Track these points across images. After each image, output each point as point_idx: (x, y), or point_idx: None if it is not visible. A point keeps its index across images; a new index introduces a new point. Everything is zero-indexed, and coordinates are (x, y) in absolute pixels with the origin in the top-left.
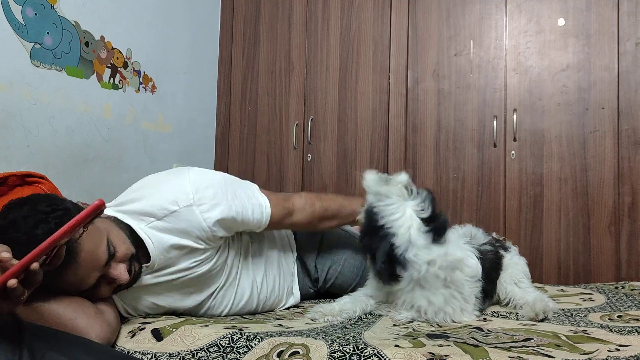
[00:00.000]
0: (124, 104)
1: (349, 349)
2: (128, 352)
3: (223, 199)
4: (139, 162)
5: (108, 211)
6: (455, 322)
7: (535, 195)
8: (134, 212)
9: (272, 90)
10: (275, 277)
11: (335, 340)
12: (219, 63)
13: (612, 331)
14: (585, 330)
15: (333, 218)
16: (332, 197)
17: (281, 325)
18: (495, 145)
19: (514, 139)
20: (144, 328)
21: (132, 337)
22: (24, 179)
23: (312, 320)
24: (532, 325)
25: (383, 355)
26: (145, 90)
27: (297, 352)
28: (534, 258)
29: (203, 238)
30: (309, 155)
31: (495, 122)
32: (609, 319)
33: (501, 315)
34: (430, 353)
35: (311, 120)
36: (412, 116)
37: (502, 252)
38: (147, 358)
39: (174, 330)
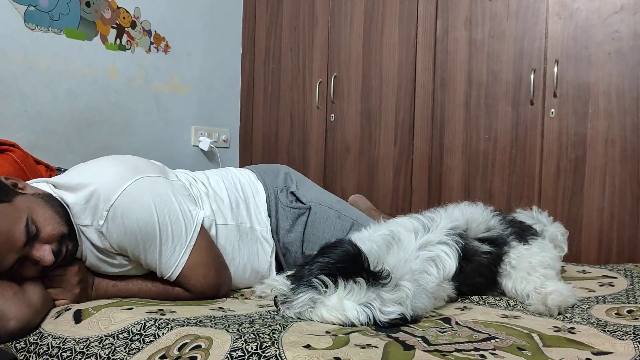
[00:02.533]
0: (132, 65)
1: (251, 348)
2: (44, 334)
3: (131, 241)
4: (151, 126)
5: (42, 185)
6: None
7: (576, 158)
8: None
9: (295, 46)
10: (245, 265)
11: (244, 335)
12: (244, 18)
13: (605, 331)
14: (572, 329)
15: None
16: None
17: (221, 308)
18: (532, 103)
19: (554, 95)
20: (70, 308)
21: (56, 317)
22: None
23: (261, 297)
24: (514, 318)
25: (283, 357)
26: (157, 50)
27: (199, 346)
28: (572, 230)
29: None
30: (332, 115)
31: (533, 76)
32: (615, 313)
33: (488, 302)
34: (335, 358)
35: (334, 77)
36: (440, 70)
37: (515, 243)
38: (56, 343)
39: (94, 312)
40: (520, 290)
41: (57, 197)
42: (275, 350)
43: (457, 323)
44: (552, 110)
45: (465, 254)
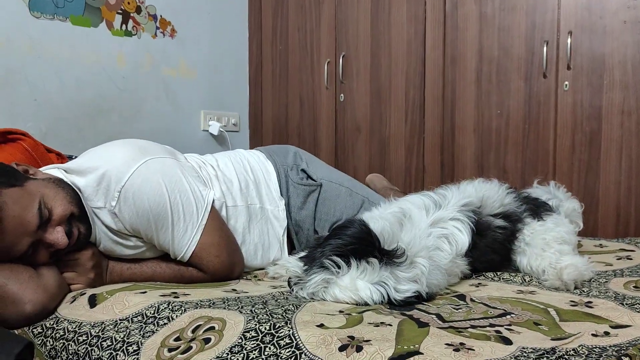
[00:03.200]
0: (139, 51)
1: (265, 328)
2: (60, 319)
3: (143, 222)
4: (161, 111)
5: (53, 171)
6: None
7: (591, 132)
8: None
9: (302, 25)
10: (256, 245)
11: (257, 316)
12: None
13: (623, 305)
14: (590, 303)
15: None
16: None
17: (234, 290)
18: (545, 76)
19: (568, 67)
20: (85, 293)
21: (72, 302)
22: (6, 136)
23: (274, 278)
24: (529, 293)
25: (297, 337)
26: (164, 35)
27: (212, 327)
28: (588, 205)
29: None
30: (342, 95)
31: (545, 48)
32: (634, 286)
33: (503, 278)
34: (349, 337)
35: (342, 57)
36: (450, 47)
37: (529, 220)
38: (72, 327)
39: (109, 297)
40: (536, 266)
41: (69, 182)
42: (289, 330)
43: (472, 299)
44: (566, 83)
45: (478, 230)
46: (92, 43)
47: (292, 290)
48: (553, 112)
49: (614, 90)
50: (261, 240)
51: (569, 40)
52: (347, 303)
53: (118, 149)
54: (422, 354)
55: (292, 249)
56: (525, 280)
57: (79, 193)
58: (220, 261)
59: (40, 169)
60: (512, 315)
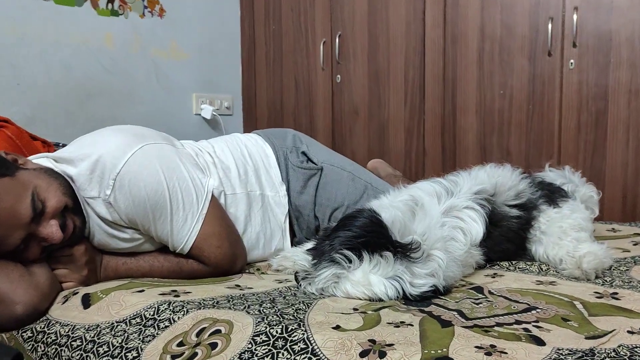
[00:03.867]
0: (127, 31)
1: (276, 332)
2: (51, 321)
3: (140, 211)
4: (151, 94)
5: (43, 161)
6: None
7: (597, 111)
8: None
9: (296, 4)
10: (259, 234)
11: (267, 318)
12: None
13: None
14: (615, 294)
15: None
16: None
17: (238, 285)
18: (550, 54)
19: (574, 45)
20: (78, 292)
21: (64, 302)
22: None
23: (278, 271)
24: (549, 284)
25: (312, 341)
26: (152, 14)
27: (218, 331)
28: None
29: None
30: (339, 76)
31: (550, 26)
32: None
33: (519, 268)
34: (370, 341)
35: (339, 36)
36: (451, 25)
37: (545, 207)
38: (65, 331)
39: (103, 296)
40: (553, 255)
41: (60, 172)
42: (303, 334)
43: (490, 292)
44: (572, 61)
45: (492, 219)
46: (77, 23)
47: (300, 285)
48: (558, 92)
49: (621, 69)
50: (263, 228)
51: (574, 17)
52: (360, 299)
53: (111, 135)
54: (452, 359)
55: (292, 236)
56: (542, 269)
57: (72, 183)
58: (222, 252)
59: (29, 159)
60: (538, 310)
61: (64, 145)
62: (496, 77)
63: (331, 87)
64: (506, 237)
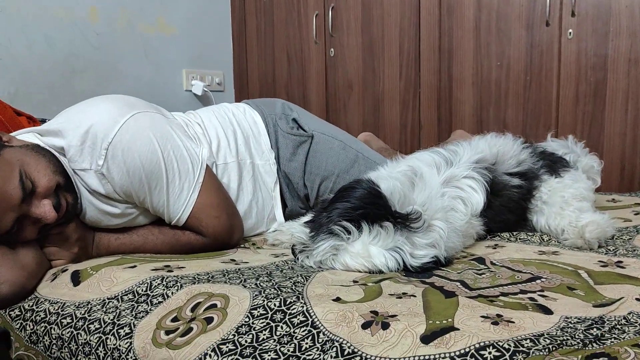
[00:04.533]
0: (113, 5)
1: (274, 305)
2: (40, 299)
3: (135, 182)
4: (139, 70)
5: (28, 137)
6: None
7: (596, 82)
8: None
9: None
10: (251, 202)
11: (264, 291)
12: None
13: None
14: (620, 263)
15: None
16: None
17: (233, 260)
18: (548, 24)
19: (572, 14)
20: (67, 269)
21: (52, 280)
22: None
23: (274, 245)
24: (552, 254)
25: (312, 314)
26: None
27: (214, 305)
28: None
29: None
30: (332, 49)
31: None
32: None
33: (520, 239)
34: (372, 313)
35: (332, 8)
36: None
37: (546, 177)
38: (54, 309)
39: (93, 273)
40: (555, 226)
41: (48, 147)
42: (302, 306)
43: (492, 263)
44: (570, 30)
45: (493, 189)
46: None
47: (298, 259)
48: (556, 62)
49: (620, 38)
50: (255, 197)
51: None
52: (359, 271)
53: (101, 104)
54: (459, 329)
55: (284, 207)
56: (543, 239)
57: (60, 157)
58: (220, 223)
59: (13, 135)
60: (542, 279)
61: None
62: (493, 48)
63: (324, 60)
64: (507, 207)
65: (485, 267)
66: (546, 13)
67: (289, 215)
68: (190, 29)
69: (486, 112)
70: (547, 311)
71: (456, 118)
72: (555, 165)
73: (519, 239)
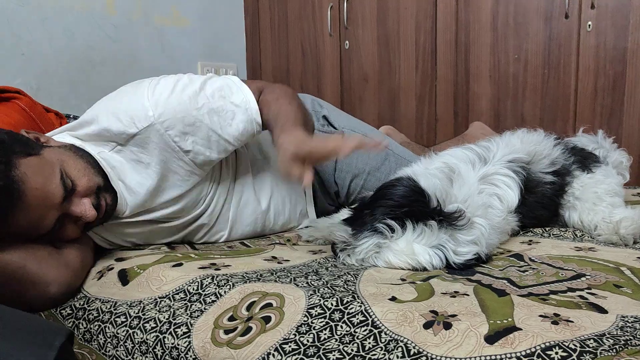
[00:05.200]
0: None
1: (331, 304)
2: (90, 298)
3: (191, 109)
4: (156, 62)
5: (63, 137)
6: None
7: (615, 75)
8: (91, 137)
9: None
10: (284, 198)
11: (318, 290)
12: None
13: None
14: None
15: None
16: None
17: (274, 257)
18: (567, 16)
19: (592, 6)
20: (113, 268)
21: (98, 279)
22: None
23: (308, 242)
24: (589, 250)
25: (371, 313)
26: None
27: (269, 304)
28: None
29: (177, 163)
30: (347, 42)
31: None
32: None
33: (553, 235)
34: (432, 312)
35: (347, 1)
36: None
37: (578, 172)
38: (107, 307)
39: (141, 272)
40: (588, 222)
41: (85, 148)
42: (360, 306)
43: (531, 259)
44: (589, 23)
45: (527, 186)
46: None
47: (339, 257)
48: (575, 55)
49: None
50: (287, 192)
51: None
52: (403, 269)
53: (122, 89)
54: (521, 329)
55: (314, 203)
56: (577, 235)
57: (98, 157)
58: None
59: (48, 135)
60: (587, 277)
61: (75, 118)
62: (510, 41)
63: (339, 53)
64: (541, 204)
65: (525, 263)
66: (565, 5)
67: (319, 212)
68: (204, 21)
69: (503, 106)
70: (602, 310)
71: (473, 112)
72: (586, 161)
73: (552, 234)
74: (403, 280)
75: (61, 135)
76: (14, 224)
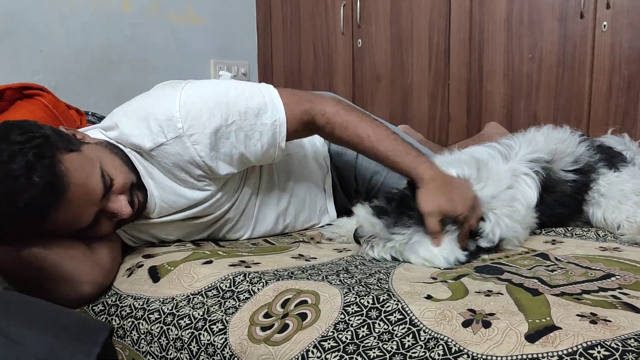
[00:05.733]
0: None
1: (367, 302)
2: (121, 295)
3: (222, 124)
4: (170, 60)
5: (95, 134)
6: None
7: (630, 75)
8: (119, 141)
9: None
10: (304, 196)
11: (353, 288)
12: None
13: None
14: None
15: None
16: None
17: (301, 255)
18: (582, 16)
19: (607, 6)
20: (142, 265)
21: (128, 276)
22: (22, 91)
23: (330, 240)
24: (614, 250)
25: (408, 311)
26: None
27: (305, 302)
28: None
29: (198, 174)
30: (360, 40)
31: None
32: None
33: (576, 234)
34: (470, 311)
35: None
36: None
37: (605, 170)
38: (139, 304)
39: (172, 269)
40: (611, 220)
41: (117, 144)
42: (397, 304)
43: (557, 259)
44: (605, 23)
45: (547, 185)
46: None
47: (365, 249)
48: (589, 55)
49: None
50: (308, 189)
51: None
52: (432, 263)
53: (150, 92)
54: (561, 328)
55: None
56: (599, 235)
57: (131, 153)
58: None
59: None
60: (616, 276)
61: (93, 115)
62: (525, 40)
63: (352, 52)
64: (560, 202)
65: (552, 263)
66: (580, 5)
67: (338, 209)
68: (217, 19)
69: (517, 105)
70: (637, 310)
71: (486, 111)
72: (613, 159)
73: (575, 234)
74: (434, 279)
75: (94, 132)
76: (54, 220)
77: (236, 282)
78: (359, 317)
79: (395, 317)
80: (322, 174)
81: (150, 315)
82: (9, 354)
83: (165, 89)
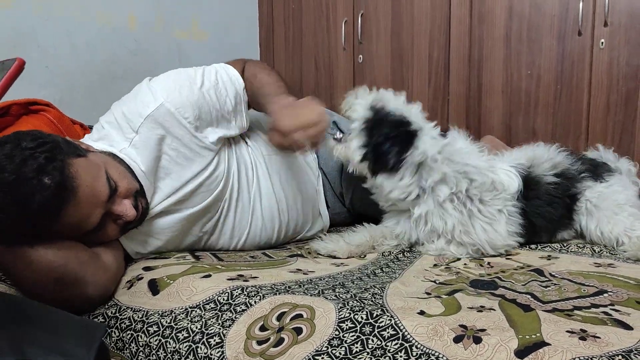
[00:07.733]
0: (150, 10)
1: (361, 317)
2: (121, 307)
3: (188, 84)
4: None
5: (98, 145)
6: (495, 249)
7: (627, 92)
8: (110, 136)
9: None
10: (298, 198)
11: (347, 303)
12: None
13: None
14: None
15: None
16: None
17: (299, 270)
18: (580, 33)
19: (605, 24)
20: (142, 277)
21: (128, 288)
22: (28, 107)
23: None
24: (608, 266)
25: (401, 327)
26: None
27: (300, 315)
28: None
29: (189, 138)
30: (360, 56)
31: (581, 4)
32: None
33: (572, 251)
34: (461, 327)
35: (361, 15)
36: (478, 3)
37: (590, 182)
38: (138, 316)
39: (171, 282)
40: (607, 232)
41: (121, 156)
42: (390, 319)
43: (551, 274)
44: (602, 40)
45: (528, 182)
46: (102, 3)
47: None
48: (587, 72)
49: None
50: (299, 189)
51: None
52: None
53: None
54: (550, 344)
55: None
56: (595, 251)
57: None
58: None
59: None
60: (609, 293)
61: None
62: (523, 57)
63: (353, 67)
64: (545, 200)
65: (546, 278)
66: (578, 22)
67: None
68: (220, 34)
69: (515, 121)
70: (627, 327)
71: (485, 126)
72: (597, 169)
73: (570, 250)
74: (428, 294)
75: (96, 144)
76: (64, 220)
77: (234, 296)
78: (353, 334)
79: (388, 332)
80: (314, 176)
81: (149, 328)
82: None
83: (129, 94)
